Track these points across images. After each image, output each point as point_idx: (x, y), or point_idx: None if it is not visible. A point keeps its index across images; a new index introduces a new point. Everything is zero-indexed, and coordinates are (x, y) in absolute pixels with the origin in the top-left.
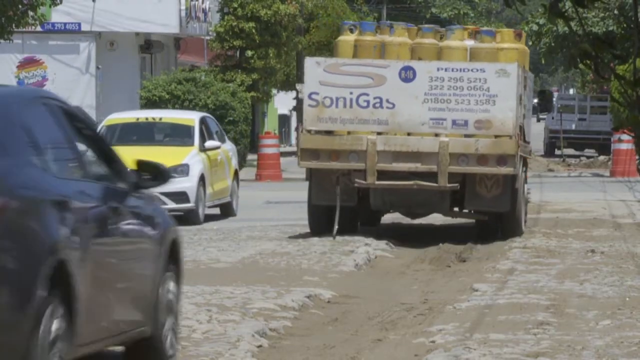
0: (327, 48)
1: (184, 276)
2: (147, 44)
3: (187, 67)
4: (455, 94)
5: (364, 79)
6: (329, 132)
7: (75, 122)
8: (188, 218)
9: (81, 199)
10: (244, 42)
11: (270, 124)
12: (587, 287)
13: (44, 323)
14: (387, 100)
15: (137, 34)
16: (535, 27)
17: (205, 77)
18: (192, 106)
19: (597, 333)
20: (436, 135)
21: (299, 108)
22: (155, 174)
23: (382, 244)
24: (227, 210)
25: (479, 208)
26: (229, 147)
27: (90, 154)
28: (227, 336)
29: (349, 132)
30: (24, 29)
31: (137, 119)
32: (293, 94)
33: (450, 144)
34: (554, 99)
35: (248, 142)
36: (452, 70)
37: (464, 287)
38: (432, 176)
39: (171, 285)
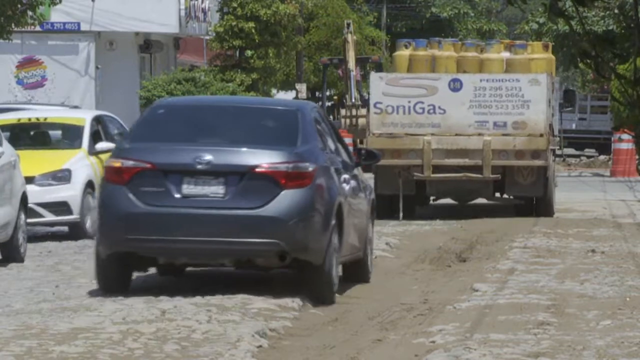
0: (326, 48)
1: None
2: (147, 44)
3: (186, 67)
4: (495, 100)
5: (419, 89)
6: (391, 135)
7: (328, 122)
8: (73, 232)
9: (341, 168)
10: (244, 41)
11: None
12: (588, 287)
13: (332, 238)
14: (439, 107)
15: (137, 33)
16: (535, 26)
17: (204, 77)
18: None
19: (597, 333)
20: (480, 135)
21: None
22: (368, 155)
23: (382, 244)
24: None
25: (517, 194)
26: None
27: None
28: (227, 336)
29: (407, 134)
30: (23, 29)
31: (19, 119)
32: (293, 93)
33: (492, 142)
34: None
35: None
36: (493, 80)
37: (464, 287)
38: (477, 169)
39: (371, 228)
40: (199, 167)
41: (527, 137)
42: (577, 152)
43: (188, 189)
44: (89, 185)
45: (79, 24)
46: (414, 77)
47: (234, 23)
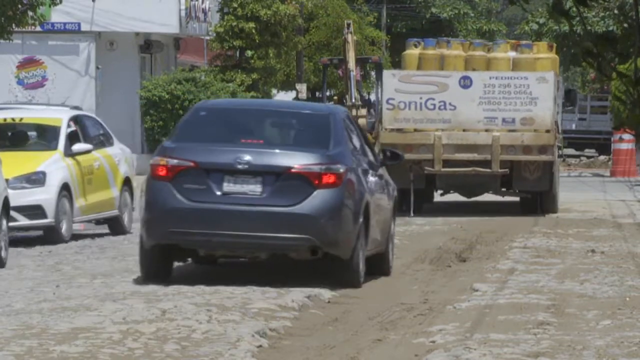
0: (326, 48)
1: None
2: (147, 44)
3: (187, 67)
4: (504, 98)
5: (431, 86)
6: (403, 130)
7: (356, 125)
8: (48, 237)
9: (368, 168)
10: (244, 42)
11: None
12: (588, 287)
13: (360, 234)
14: (450, 104)
15: (137, 34)
16: (535, 27)
17: (205, 77)
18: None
19: (597, 333)
20: (489, 130)
21: None
22: (393, 155)
23: None
24: (115, 227)
25: (523, 188)
26: (116, 151)
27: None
28: (227, 336)
29: (417, 130)
30: (23, 29)
31: None
32: (293, 94)
33: (501, 137)
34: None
35: None
36: (502, 78)
37: (464, 287)
38: (486, 163)
39: (393, 224)
40: (239, 166)
41: (535, 133)
42: (577, 153)
43: (228, 186)
44: (65, 188)
45: (79, 24)
46: (425, 75)
47: (234, 23)
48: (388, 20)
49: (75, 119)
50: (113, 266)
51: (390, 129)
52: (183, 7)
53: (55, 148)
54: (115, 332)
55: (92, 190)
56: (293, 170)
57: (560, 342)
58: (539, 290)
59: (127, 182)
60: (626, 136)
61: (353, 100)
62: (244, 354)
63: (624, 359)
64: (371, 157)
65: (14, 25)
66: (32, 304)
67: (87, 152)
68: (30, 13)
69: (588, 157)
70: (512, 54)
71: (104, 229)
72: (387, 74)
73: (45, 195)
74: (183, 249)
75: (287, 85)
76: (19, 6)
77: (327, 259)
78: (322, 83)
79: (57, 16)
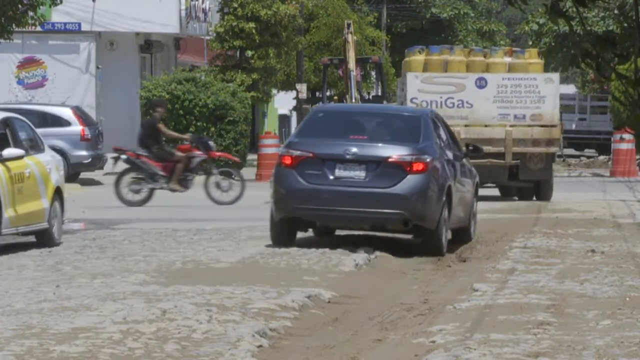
0: (327, 48)
1: (187, 276)
2: (147, 44)
3: (187, 67)
4: (515, 96)
5: (450, 87)
6: None
7: (443, 123)
8: None
9: (452, 159)
10: (244, 42)
11: (270, 124)
12: (587, 287)
13: (443, 210)
14: (467, 102)
15: (137, 34)
16: (535, 27)
17: (205, 77)
18: (192, 106)
19: (597, 333)
20: (502, 126)
21: (299, 108)
22: (475, 149)
23: (382, 243)
24: (43, 239)
25: (528, 178)
26: (47, 158)
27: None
28: (227, 336)
29: None
30: (24, 29)
31: None
32: (293, 94)
33: (513, 132)
34: None
35: (248, 142)
36: (513, 79)
37: (464, 287)
38: (499, 155)
39: (475, 204)
40: (348, 157)
41: (543, 127)
42: (577, 153)
43: (339, 172)
44: None
45: (79, 24)
46: (445, 76)
47: (234, 23)
48: (388, 20)
49: (5, 122)
50: (113, 266)
51: None
52: (183, 7)
53: None
54: (116, 332)
55: (22, 200)
56: (390, 159)
57: (560, 342)
58: (539, 290)
59: (58, 191)
60: (626, 136)
61: (353, 100)
62: (244, 354)
63: (624, 359)
64: (456, 150)
65: (14, 25)
66: (32, 304)
67: (19, 157)
68: (30, 13)
69: (588, 157)
70: (507, 59)
71: (104, 229)
72: (410, 75)
73: None
74: (304, 221)
75: (287, 85)
76: (20, 6)
77: (416, 230)
78: (322, 83)
79: (57, 16)
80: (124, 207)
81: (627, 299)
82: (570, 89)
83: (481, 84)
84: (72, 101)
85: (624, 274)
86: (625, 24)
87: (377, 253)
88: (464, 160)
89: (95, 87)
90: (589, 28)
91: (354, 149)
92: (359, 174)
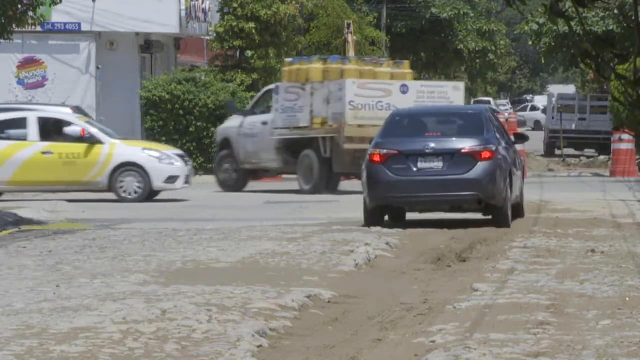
0: (327, 48)
1: (188, 276)
2: (147, 44)
3: (187, 67)
4: (430, 100)
5: (380, 92)
6: (361, 125)
7: (496, 118)
8: None
9: (507, 146)
10: (244, 42)
11: None
12: (587, 287)
13: (507, 190)
14: (393, 105)
15: (137, 34)
16: (535, 27)
17: (205, 77)
18: (192, 106)
19: (597, 333)
20: None
21: None
22: (521, 137)
23: (382, 243)
24: None
25: None
26: None
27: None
28: (227, 336)
29: (372, 125)
30: (24, 29)
31: None
32: None
33: None
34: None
35: None
36: (429, 87)
37: (464, 287)
38: None
39: (522, 184)
40: (427, 151)
41: None
42: (577, 153)
43: (421, 164)
44: None
45: (79, 24)
46: (376, 83)
47: (234, 23)
48: (388, 20)
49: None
50: (113, 266)
51: (352, 125)
52: (183, 7)
53: None
54: (116, 332)
55: None
56: (463, 150)
57: (560, 342)
58: (539, 290)
59: None
60: (625, 136)
61: None
62: (244, 354)
63: (624, 359)
64: (507, 139)
65: (14, 25)
66: (32, 304)
67: None
68: (30, 13)
69: (588, 157)
70: (389, 69)
71: (104, 229)
72: (349, 82)
73: None
74: (393, 207)
75: None
76: (19, 6)
77: (488, 208)
78: None
79: (57, 16)
80: (124, 207)
81: (627, 299)
82: (570, 89)
83: (404, 89)
84: (72, 101)
85: (624, 274)
86: (625, 24)
87: (377, 253)
88: (513, 147)
89: (96, 87)
90: (588, 28)
91: (432, 144)
92: (438, 164)
